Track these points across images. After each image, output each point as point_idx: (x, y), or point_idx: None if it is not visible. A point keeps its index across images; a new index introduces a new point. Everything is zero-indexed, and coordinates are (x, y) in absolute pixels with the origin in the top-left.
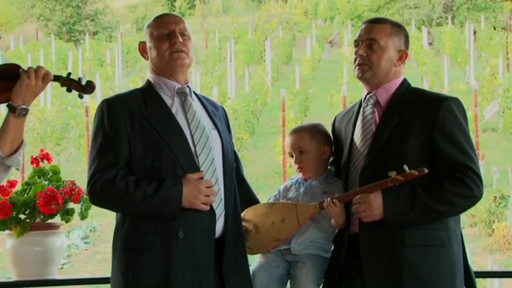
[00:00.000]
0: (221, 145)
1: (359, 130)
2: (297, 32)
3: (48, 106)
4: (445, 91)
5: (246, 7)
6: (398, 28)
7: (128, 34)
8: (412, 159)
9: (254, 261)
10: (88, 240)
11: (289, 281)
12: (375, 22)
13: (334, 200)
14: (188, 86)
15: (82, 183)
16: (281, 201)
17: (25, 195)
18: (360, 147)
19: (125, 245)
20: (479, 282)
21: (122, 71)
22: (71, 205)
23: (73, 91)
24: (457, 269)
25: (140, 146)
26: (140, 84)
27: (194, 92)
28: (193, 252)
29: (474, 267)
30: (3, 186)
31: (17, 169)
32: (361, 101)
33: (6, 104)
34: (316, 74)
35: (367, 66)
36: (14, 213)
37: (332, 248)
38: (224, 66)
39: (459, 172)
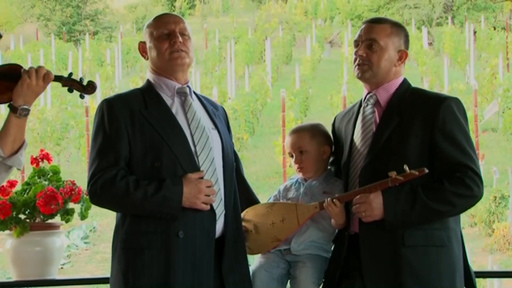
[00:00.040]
0: (221, 145)
1: (359, 130)
2: (297, 32)
3: (48, 106)
4: (445, 91)
5: (246, 7)
6: (398, 28)
7: (128, 34)
8: (412, 159)
9: (254, 261)
10: (88, 240)
11: (289, 281)
12: (375, 22)
13: (334, 200)
14: (188, 86)
15: (82, 183)
16: (281, 201)
17: (25, 195)
18: (360, 147)
19: (125, 245)
20: (479, 282)
21: (122, 71)
22: (71, 205)
23: (75, 91)
24: (457, 269)
25: (140, 146)
26: (140, 84)
27: (194, 92)
28: (193, 252)
29: (474, 267)
30: (3, 186)
31: (19, 169)
32: (361, 101)
33: (8, 104)
34: (316, 74)
35: (367, 66)
36: (14, 213)
37: (332, 248)
38: (224, 66)
39: (459, 172)
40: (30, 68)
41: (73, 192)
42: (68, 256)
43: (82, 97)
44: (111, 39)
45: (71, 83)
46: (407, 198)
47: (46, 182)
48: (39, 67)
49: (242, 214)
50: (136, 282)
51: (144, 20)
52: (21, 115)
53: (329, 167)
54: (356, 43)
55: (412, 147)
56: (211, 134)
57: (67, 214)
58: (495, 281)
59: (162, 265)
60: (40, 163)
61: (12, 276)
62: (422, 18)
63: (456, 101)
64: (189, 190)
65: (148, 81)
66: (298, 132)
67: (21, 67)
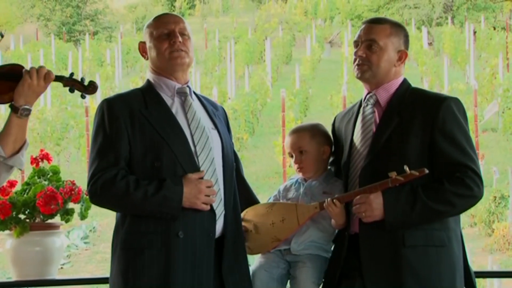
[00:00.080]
0: (221, 145)
1: (359, 130)
2: (297, 32)
3: (48, 106)
4: (445, 91)
5: (246, 7)
6: (397, 28)
7: (128, 34)
8: (412, 159)
9: (254, 261)
10: (88, 240)
11: (289, 281)
12: (374, 23)
13: (334, 200)
14: (188, 86)
15: (82, 183)
16: (281, 201)
17: (25, 195)
18: (360, 147)
19: (125, 245)
20: (479, 282)
21: (122, 71)
22: (71, 205)
23: (76, 91)
24: (457, 269)
25: (140, 146)
26: (140, 84)
27: (194, 92)
28: (193, 252)
29: (474, 267)
30: (3, 186)
31: (20, 169)
32: (361, 101)
33: (9, 104)
34: (316, 74)
35: (367, 66)
36: (14, 213)
37: (332, 248)
38: (224, 66)
39: (459, 172)
40: (31, 68)
41: (73, 192)
42: (68, 256)
43: (83, 97)
44: (111, 39)
45: (72, 83)
46: (408, 199)
47: (46, 182)
48: (40, 67)
49: (242, 214)
50: (136, 282)
51: (144, 20)
52: (22, 115)
53: (329, 167)
54: (356, 44)
55: (412, 147)
56: (211, 134)
57: (67, 214)
58: (495, 281)
59: (162, 265)
60: (40, 163)
61: (12, 276)
62: (422, 18)
63: (456, 101)
64: (189, 190)
65: (148, 81)
66: (298, 132)
67: (22, 67)
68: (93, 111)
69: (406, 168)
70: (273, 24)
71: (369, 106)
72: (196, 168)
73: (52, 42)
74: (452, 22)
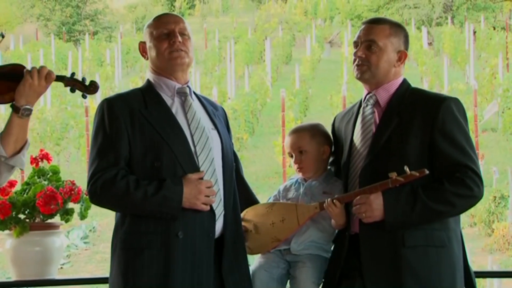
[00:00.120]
0: (221, 145)
1: (359, 130)
2: (296, 32)
3: (48, 106)
4: (445, 91)
5: (245, 7)
6: (397, 29)
7: (128, 34)
8: (412, 160)
9: (254, 261)
10: (87, 240)
11: (288, 281)
12: (374, 23)
13: (334, 200)
14: (188, 86)
15: (82, 183)
16: (281, 201)
17: (25, 195)
18: (360, 148)
19: (125, 245)
20: (479, 282)
21: (122, 71)
22: (70, 205)
23: (77, 91)
24: (457, 269)
25: (140, 146)
26: (140, 84)
27: (194, 92)
28: (193, 252)
29: (474, 267)
30: (2, 186)
31: (21, 169)
32: (361, 101)
33: (10, 104)
34: (316, 74)
35: (366, 66)
36: (14, 213)
37: (332, 248)
38: (224, 66)
39: (459, 172)
40: (33, 68)
41: (72, 192)
42: (68, 256)
43: (84, 97)
44: (111, 39)
45: (73, 83)
46: (408, 199)
47: (46, 182)
48: (41, 67)
49: (242, 214)
50: (136, 282)
51: (144, 20)
52: (23, 115)
53: (329, 167)
54: (356, 44)
55: (411, 147)
56: (211, 134)
57: (66, 214)
58: (495, 281)
59: (162, 265)
60: (40, 163)
61: (11, 276)
62: (421, 18)
63: (456, 101)
64: (189, 190)
65: (148, 81)
66: (298, 132)
67: (23, 67)
68: (93, 111)
69: (406, 168)
70: (273, 24)
71: (369, 107)
72: (196, 168)
73: (52, 42)
74: (452, 22)
